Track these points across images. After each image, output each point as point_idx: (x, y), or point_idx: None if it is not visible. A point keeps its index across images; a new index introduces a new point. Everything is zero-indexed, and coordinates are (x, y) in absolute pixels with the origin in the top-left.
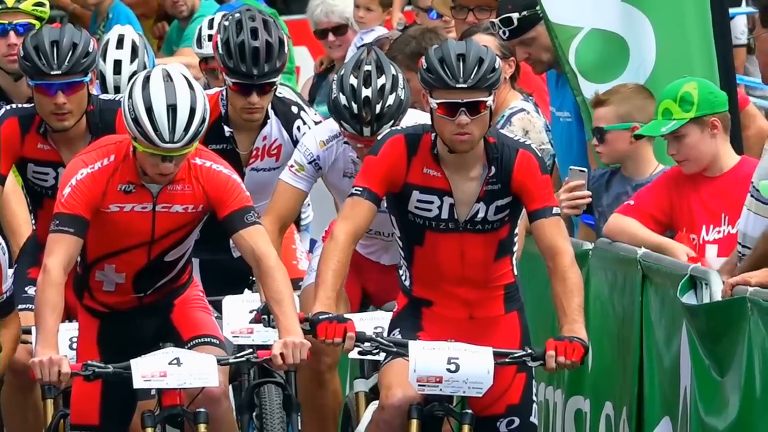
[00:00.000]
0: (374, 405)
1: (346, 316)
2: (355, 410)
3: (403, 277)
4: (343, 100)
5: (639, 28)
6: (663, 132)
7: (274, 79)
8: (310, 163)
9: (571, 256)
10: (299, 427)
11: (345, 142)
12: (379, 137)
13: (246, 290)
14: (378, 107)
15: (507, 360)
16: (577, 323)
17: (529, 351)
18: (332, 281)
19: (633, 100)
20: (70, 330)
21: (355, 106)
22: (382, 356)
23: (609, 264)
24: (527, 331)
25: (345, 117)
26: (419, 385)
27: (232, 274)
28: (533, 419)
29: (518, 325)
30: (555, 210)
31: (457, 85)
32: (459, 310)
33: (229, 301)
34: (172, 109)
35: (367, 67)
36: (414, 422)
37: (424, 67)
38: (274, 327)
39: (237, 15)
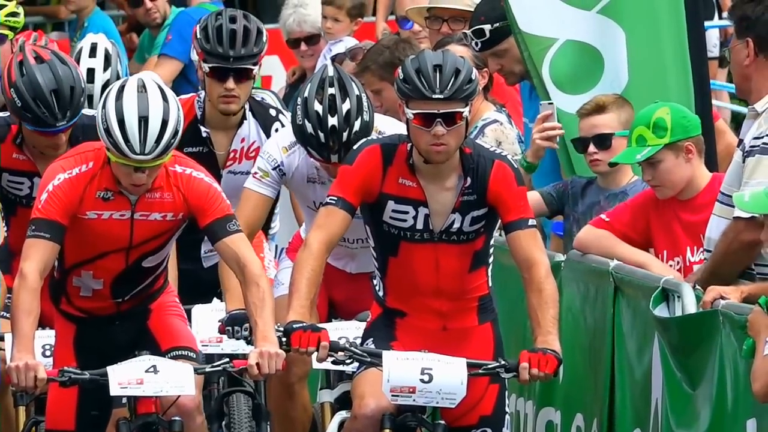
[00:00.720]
0: (340, 415)
1: (320, 325)
2: (321, 420)
3: (377, 287)
4: (309, 128)
5: (614, 40)
6: (638, 159)
7: (251, 66)
8: (274, 169)
9: (547, 267)
10: None
11: None
12: (355, 146)
13: (215, 299)
14: (345, 135)
15: (480, 371)
16: (551, 335)
17: (503, 362)
18: (306, 290)
19: (629, 108)
20: (43, 337)
21: (322, 135)
22: (352, 366)
23: (581, 276)
24: (501, 343)
25: (312, 144)
26: (392, 396)
27: (201, 284)
28: (506, 430)
29: (491, 336)
30: (531, 222)
31: (434, 96)
32: (433, 321)
33: (198, 310)
34: (144, 120)
35: (330, 90)
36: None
37: (401, 78)
38: (238, 338)
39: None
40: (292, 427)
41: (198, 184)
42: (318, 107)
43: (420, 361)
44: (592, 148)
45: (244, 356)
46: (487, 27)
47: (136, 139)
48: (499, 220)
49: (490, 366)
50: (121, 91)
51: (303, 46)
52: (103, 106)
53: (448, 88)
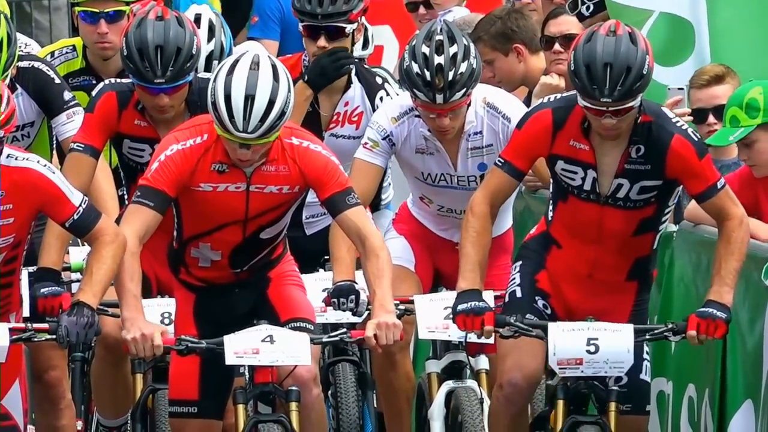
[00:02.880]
0: (447, 385)
1: (417, 298)
2: (428, 391)
3: (550, 209)
4: (415, 68)
5: (702, 13)
6: (731, 141)
7: (343, 24)
8: (383, 139)
9: (740, 218)
10: (374, 405)
11: (416, 116)
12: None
13: (320, 269)
14: (450, 74)
15: (647, 336)
16: (725, 287)
17: (671, 326)
18: (474, 252)
19: (738, 79)
20: (161, 305)
21: (427, 73)
22: (455, 336)
23: (693, 246)
24: (643, 305)
25: (417, 85)
26: (560, 368)
27: (305, 253)
28: (644, 377)
29: (633, 295)
30: (719, 184)
31: (602, 99)
32: (582, 267)
33: (305, 280)
34: (250, 98)
35: (438, 37)
36: (560, 402)
37: (571, 68)
38: (344, 310)
39: None
40: (395, 396)
41: (315, 157)
42: (425, 49)
43: (585, 332)
44: (711, 118)
45: (352, 326)
46: None
47: (240, 117)
48: (676, 194)
49: (657, 331)
50: (233, 66)
51: (422, 9)
52: (214, 80)
53: (617, 90)
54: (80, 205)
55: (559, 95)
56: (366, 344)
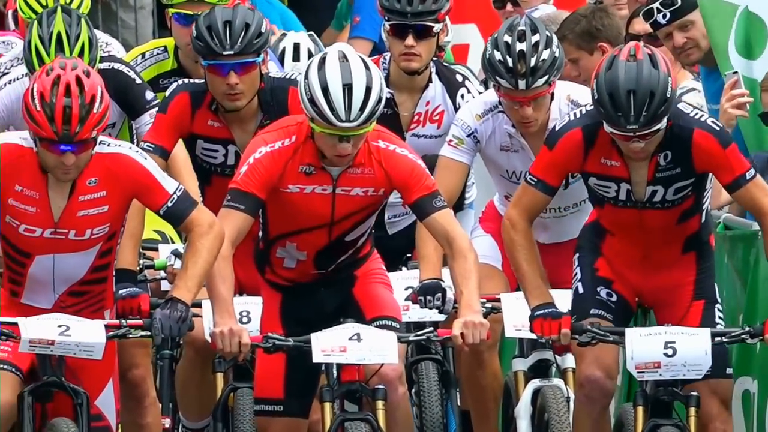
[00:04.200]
0: (533, 384)
1: (561, 311)
2: (514, 389)
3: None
4: (497, 55)
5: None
6: None
7: (431, 24)
8: (468, 136)
9: None
10: (458, 403)
11: (501, 112)
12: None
13: (402, 268)
14: (533, 60)
15: (725, 339)
16: None
17: (748, 329)
18: (529, 268)
19: None
20: (240, 304)
21: (510, 59)
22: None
23: None
24: (707, 272)
25: (500, 71)
26: (638, 372)
27: (388, 251)
28: (729, 371)
29: (694, 265)
30: (749, 174)
31: (629, 126)
32: (635, 251)
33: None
34: (348, 88)
35: (521, 27)
36: (640, 409)
37: (595, 97)
38: (430, 308)
39: None
40: (483, 395)
41: (402, 161)
42: (508, 38)
43: (662, 336)
44: None
45: (435, 324)
46: None
47: (341, 107)
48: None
49: (734, 334)
50: (323, 61)
51: (509, 7)
52: (306, 77)
53: (643, 116)
54: (174, 193)
55: (583, 110)
56: (453, 343)
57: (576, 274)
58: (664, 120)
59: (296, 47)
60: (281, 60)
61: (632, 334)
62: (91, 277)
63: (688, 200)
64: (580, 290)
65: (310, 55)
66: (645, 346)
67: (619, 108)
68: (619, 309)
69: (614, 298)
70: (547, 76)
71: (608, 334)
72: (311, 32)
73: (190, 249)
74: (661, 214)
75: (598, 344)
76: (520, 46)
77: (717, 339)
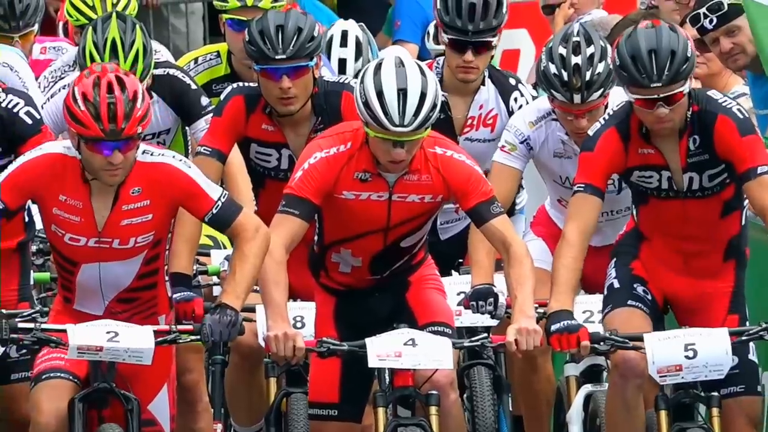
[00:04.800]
0: (585, 389)
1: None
2: (566, 394)
3: (633, 211)
4: (552, 68)
5: None
6: None
7: (491, 39)
8: (521, 143)
9: None
10: (510, 408)
11: (554, 119)
12: (590, 132)
13: (454, 272)
14: (588, 74)
15: (744, 338)
16: None
17: (765, 325)
18: (564, 278)
19: None
20: (295, 309)
21: (564, 73)
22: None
23: None
24: (741, 282)
25: (555, 85)
26: (660, 377)
27: (440, 257)
28: (752, 357)
29: (733, 275)
30: (761, 169)
31: (652, 85)
32: (676, 257)
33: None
34: (402, 93)
35: (575, 38)
36: (663, 413)
37: (617, 63)
38: (483, 313)
39: None
40: (536, 399)
41: (459, 167)
42: (562, 50)
43: (682, 338)
44: None
45: (487, 329)
46: (726, 0)
47: (395, 111)
48: None
49: (752, 331)
50: (379, 66)
51: (558, 9)
52: (361, 81)
53: (666, 74)
54: (219, 199)
55: (610, 111)
56: (507, 349)
57: (610, 273)
58: (687, 84)
59: (344, 34)
60: (328, 47)
61: (651, 338)
62: (139, 284)
63: (727, 189)
64: (616, 285)
65: (358, 42)
66: (665, 349)
67: (643, 68)
68: (654, 307)
69: (649, 296)
70: (602, 89)
71: (627, 340)
72: (362, 23)
73: (237, 254)
74: (703, 205)
75: (630, 327)
76: (575, 60)
77: (736, 337)
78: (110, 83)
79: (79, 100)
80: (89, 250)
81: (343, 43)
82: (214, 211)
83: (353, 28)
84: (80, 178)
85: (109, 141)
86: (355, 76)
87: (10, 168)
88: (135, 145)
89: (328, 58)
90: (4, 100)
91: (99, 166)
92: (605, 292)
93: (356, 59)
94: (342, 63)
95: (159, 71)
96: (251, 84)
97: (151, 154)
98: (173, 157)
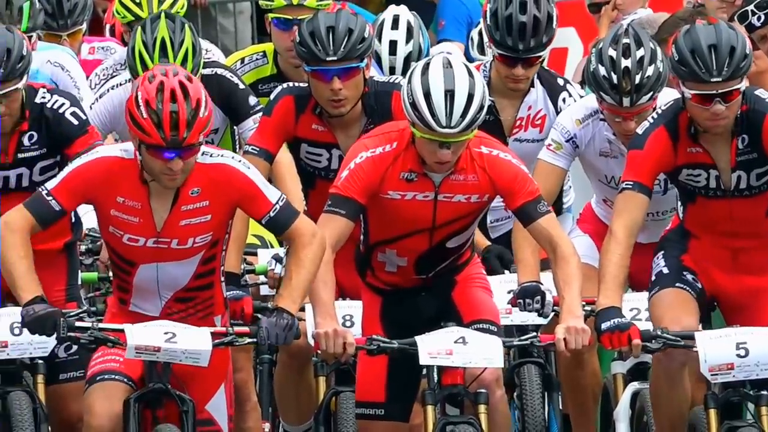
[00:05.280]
0: (632, 386)
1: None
2: (613, 391)
3: (680, 209)
4: (602, 71)
5: None
6: None
7: (540, 53)
8: (567, 141)
9: None
10: (559, 407)
11: (601, 119)
12: (639, 130)
13: (505, 271)
14: (637, 77)
15: None
16: None
17: None
18: (613, 274)
19: None
20: (343, 308)
21: (614, 76)
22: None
23: None
24: None
25: (604, 88)
26: (711, 375)
27: None
28: None
29: None
30: None
31: (712, 80)
32: (724, 254)
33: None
34: (450, 94)
35: (625, 40)
36: (712, 412)
37: (676, 58)
38: (530, 311)
39: None
40: (582, 394)
41: (506, 166)
42: (612, 52)
43: (733, 337)
44: None
45: (536, 327)
46: None
47: (442, 113)
48: None
49: None
50: (426, 66)
51: (603, 11)
52: (409, 81)
53: (725, 70)
54: (277, 203)
55: (659, 110)
56: (555, 348)
57: (658, 265)
58: (744, 82)
59: (395, 18)
60: (380, 30)
61: (703, 337)
62: (196, 284)
63: None
64: (665, 271)
65: (409, 26)
66: (717, 348)
67: (703, 63)
68: (702, 296)
69: (699, 285)
70: (651, 93)
71: (679, 338)
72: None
73: (293, 259)
74: (749, 204)
75: (678, 304)
76: (625, 63)
77: None
78: (173, 90)
79: (142, 107)
80: (147, 250)
81: (395, 26)
82: (272, 214)
83: (404, 12)
84: (138, 179)
85: (170, 149)
86: (405, 63)
87: (65, 171)
88: (195, 152)
89: (379, 41)
90: (49, 101)
91: (159, 170)
92: (653, 279)
93: (407, 42)
94: (393, 45)
95: (207, 71)
96: (301, 84)
97: (211, 155)
98: (232, 157)
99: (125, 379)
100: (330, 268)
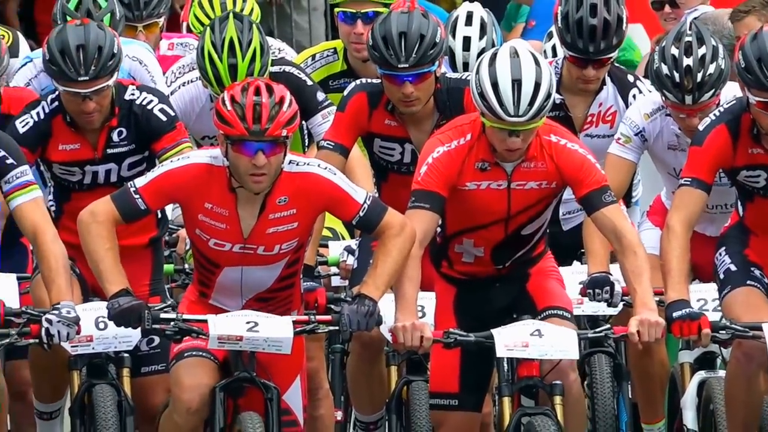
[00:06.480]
0: (699, 375)
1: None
2: (680, 380)
3: (739, 207)
4: (664, 69)
5: None
6: None
7: (611, 54)
8: (636, 134)
9: None
10: (629, 395)
11: (668, 114)
12: (700, 126)
13: (575, 262)
14: (699, 76)
15: None
16: None
17: None
18: (678, 268)
19: None
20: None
21: (677, 74)
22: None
23: None
24: None
25: (667, 86)
26: None
27: (562, 247)
28: None
29: None
30: None
31: None
32: None
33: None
34: (517, 83)
35: (687, 38)
36: None
37: (742, 65)
38: (599, 301)
39: None
40: (651, 383)
41: (572, 155)
42: (675, 51)
43: None
44: None
45: (606, 318)
46: None
47: (510, 101)
48: None
49: None
50: (494, 57)
51: (667, 8)
52: (477, 72)
53: None
54: (365, 202)
55: (722, 108)
56: (629, 340)
57: (723, 260)
58: None
59: (469, 15)
60: (454, 26)
61: None
62: (279, 286)
63: None
64: (733, 268)
65: (482, 23)
66: None
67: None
68: None
69: (766, 280)
70: (713, 90)
71: (747, 329)
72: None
73: (381, 249)
74: None
75: (753, 303)
76: (687, 61)
77: None
78: (258, 87)
79: (227, 102)
80: (233, 255)
81: (468, 22)
82: (361, 214)
83: (478, 9)
84: (227, 186)
85: (253, 141)
86: (478, 58)
87: (156, 172)
88: (280, 151)
89: (453, 37)
90: (138, 97)
91: (244, 169)
92: (721, 276)
93: (480, 38)
94: (466, 41)
95: (275, 69)
96: (373, 80)
97: (297, 164)
98: (318, 165)
99: (211, 357)
100: (417, 263)
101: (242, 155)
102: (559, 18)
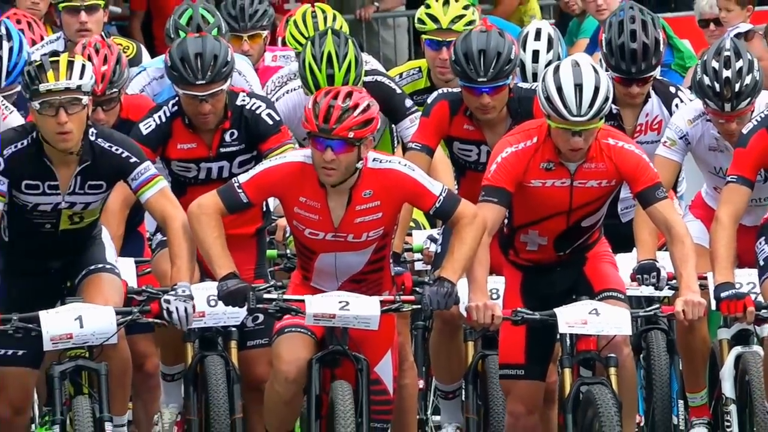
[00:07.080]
0: (736, 350)
1: (710, 274)
2: (719, 355)
3: None
4: (706, 80)
5: None
6: None
7: (651, 73)
8: (680, 138)
9: None
10: (680, 368)
11: (708, 120)
12: (744, 130)
13: (633, 249)
14: (737, 86)
15: None
16: None
17: None
18: (725, 254)
19: None
20: (489, 282)
21: (717, 85)
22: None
23: None
24: None
25: (708, 95)
26: None
27: (621, 237)
28: None
29: None
30: None
31: None
32: None
33: (618, 259)
34: (578, 87)
35: (726, 53)
36: None
37: None
38: (647, 285)
39: (620, 15)
40: (693, 355)
41: (629, 155)
42: (715, 64)
43: None
44: None
45: (659, 300)
46: None
47: (573, 103)
48: None
49: None
50: (558, 67)
51: (711, 26)
52: (543, 80)
53: None
54: (441, 194)
55: (764, 113)
56: (675, 318)
57: (763, 249)
58: None
59: (538, 31)
60: (524, 41)
61: None
62: (369, 269)
63: None
64: None
65: (550, 38)
66: None
67: None
68: None
69: None
70: (749, 99)
71: None
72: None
73: (456, 237)
74: None
75: None
76: (726, 73)
77: None
78: (338, 92)
79: (311, 102)
80: (326, 242)
81: (537, 38)
82: (437, 204)
83: (546, 26)
84: (317, 182)
85: (322, 138)
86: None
87: (257, 169)
88: (350, 151)
89: (524, 50)
90: (248, 103)
91: (317, 163)
92: (761, 263)
93: (548, 51)
94: (535, 54)
95: (368, 78)
96: (454, 90)
97: (380, 161)
98: (398, 162)
99: (309, 333)
100: (486, 249)
101: (315, 149)
102: (604, 44)
